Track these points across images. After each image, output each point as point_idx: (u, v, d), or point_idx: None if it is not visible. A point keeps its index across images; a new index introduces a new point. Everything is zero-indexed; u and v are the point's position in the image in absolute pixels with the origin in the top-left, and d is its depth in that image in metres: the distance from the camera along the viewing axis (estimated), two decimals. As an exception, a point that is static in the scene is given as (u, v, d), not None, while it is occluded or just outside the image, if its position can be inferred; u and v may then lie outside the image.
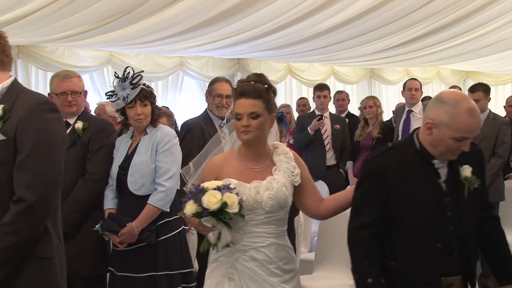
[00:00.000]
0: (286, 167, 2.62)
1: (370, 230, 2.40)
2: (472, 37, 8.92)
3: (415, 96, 6.26)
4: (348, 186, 6.30)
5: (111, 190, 3.52)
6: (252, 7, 6.52)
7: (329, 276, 4.24)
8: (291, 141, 6.61)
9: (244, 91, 2.56)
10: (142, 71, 3.54)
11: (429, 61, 10.67)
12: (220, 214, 2.37)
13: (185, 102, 9.22)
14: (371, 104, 6.33)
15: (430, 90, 11.55)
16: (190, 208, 2.40)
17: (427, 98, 7.40)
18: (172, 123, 5.21)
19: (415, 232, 2.37)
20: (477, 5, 7.45)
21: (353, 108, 8.00)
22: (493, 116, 5.43)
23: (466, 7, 7.45)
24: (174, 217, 3.48)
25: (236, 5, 6.39)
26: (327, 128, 6.46)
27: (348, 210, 4.33)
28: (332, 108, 7.60)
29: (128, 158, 3.49)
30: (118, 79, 3.46)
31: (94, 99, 7.13)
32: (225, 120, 3.97)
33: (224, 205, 2.37)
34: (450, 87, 6.42)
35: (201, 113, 4.39)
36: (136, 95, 3.42)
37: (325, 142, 6.42)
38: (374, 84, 11.55)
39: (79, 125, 3.58)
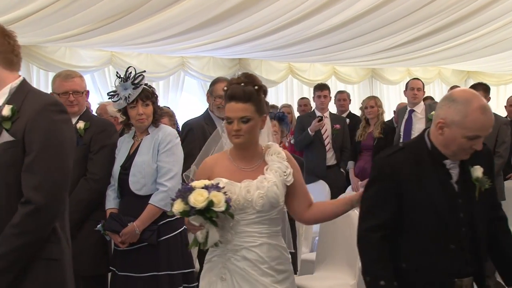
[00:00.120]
0: (278, 166, 2.61)
1: (382, 232, 2.34)
2: (473, 37, 8.92)
3: (417, 95, 6.26)
4: (348, 187, 6.30)
5: (113, 190, 3.53)
6: (253, 7, 6.53)
7: (331, 276, 4.24)
8: (292, 141, 6.61)
9: (234, 95, 2.55)
10: (144, 71, 3.54)
11: (431, 61, 10.67)
12: (207, 212, 2.38)
13: (186, 102, 9.23)
14: (372, 104, 6.33)
15: (431, 90, 11.55)
16: (177, 206, 2.42)
17: (429, 98, 7.41)
18: (173, 123, 5.21)
19: (427, 233, 2.33)
20: (479, 5, 7.44)
21: (354, 108, 8.00)
22: (492, 116, 5.42)
23: (467, 7, 7.44)
24: (176, 217, 3.47)
25: (237, 5, 6.39)
26: (327, 128, 6.46)
27: (350, 211, 4.36)
28: (333, 108, 7.60)
29: (130, 158, 3.49)
30: (120, 79, 3.47)
31: (96, 99, 7.15)
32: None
33: (211, 203, 2.37)
34: (451, 87, 6.42)
35: (202, 113, 4.39)
36: (137, 95, 3.42)
37: (325, 142, 6.42)
38: (375, 84, 11.55)
39: (81, 125, 3.59)
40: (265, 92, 2.65)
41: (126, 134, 3.64)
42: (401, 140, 6.18)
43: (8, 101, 2.21)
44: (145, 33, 6.98)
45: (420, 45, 8.95)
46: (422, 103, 6.32)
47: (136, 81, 3.43)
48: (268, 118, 2.71)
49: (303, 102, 7.90)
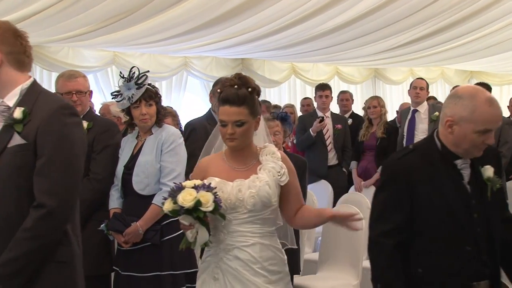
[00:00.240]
0: (272, 166, 2.60)
1: (396, 238, 2.28)
2: (476, 37, 8.91)
3: (419, 94, 6.24)
4: (351, 188, 6.30)
5: (116, 189, 3.53)
6: (256, 7, 6.53)
7: (333, 276, 4.24)
8: (295, 141, 6.60)
9: (228, 98, 2.54)
10: (148, 71, 3.54)
11: (433, 61, 10.66)
12: (194, 212, 2.39)
13: (189, 102, 9.23)
14: (375, 104, 6.33)
15: (434, 90, 11.53)
16: (167, 205, 2.45)
17: (432, 98, 7.39)
18: (177, 123, 5.21)
19: (442, 236, 2.27)
20: (482, 5, 7.43)
21: (357, 108, 7.99)
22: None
23: (470, 7, 7.44)
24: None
25: (240, 5, 6.40)
26: (329, 128, 6.45)
27: (353, 210, 4.35)
28: (336, 108, 7.59)
29: (133, 158, 3.49)
30: (124, 79, 3.47)
31: (98, 99, 7.14)
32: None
33: (198, 203, 2.38)
34: (453, 87, 6.41)
35: (205, 113, 4.39)
36: (141, 95, 3.43)
37: (327, 143, 6.41)
38: (378, 84, 11.54)
39: (84, 125, 3.59)
40: (258, 93, 2.64)
41: (130, 134, 3.64)
42: (404, 141, 6.18)
43: (19, 103, 2.21)
44: (148, 33, 6.99)
45: (423, 45, 8.94)
46: (425, 103, 6.31)
47: (139, 81, 3.43)
48: (262, 118, 2.71)
49: (306, 102, 7.90)
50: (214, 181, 2.54)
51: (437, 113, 5.98)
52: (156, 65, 8.42)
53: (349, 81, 10.90)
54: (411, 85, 6.44)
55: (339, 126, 6.46)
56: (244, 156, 2.63)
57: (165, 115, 3.67)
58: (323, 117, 6.37)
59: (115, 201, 3.52)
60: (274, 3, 6.48)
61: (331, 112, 6.67)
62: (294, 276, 3.91)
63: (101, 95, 7.92)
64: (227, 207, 2.51)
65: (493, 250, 2.33)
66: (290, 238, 3.13)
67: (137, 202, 3.44)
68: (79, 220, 2.33)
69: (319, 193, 5.62)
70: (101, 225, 3.47)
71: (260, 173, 2.59)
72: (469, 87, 2.39)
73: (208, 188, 2.44)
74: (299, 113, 7.65)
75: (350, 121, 6.78)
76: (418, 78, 6.67)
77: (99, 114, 5.14)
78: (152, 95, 3.48)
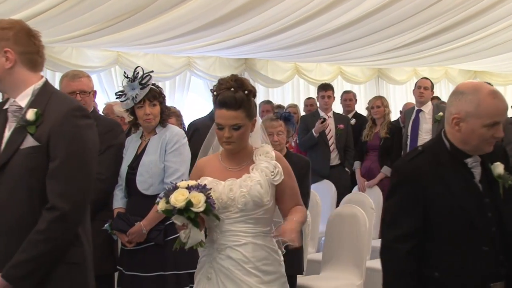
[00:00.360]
0: (266, 166, 2.60)
1: (410, 243, 2.22)
2: (480, 37, 8.88)
3: (423, 94, 6.24)
4: (355, 188, 6.29)
5: (120, 189, 3.54)
6: (260, 7, 6.53)
7: (337, 276, 4.23)
8: (298, 141, 6.60)
9: (226, 102, 2.54)
10: (152, 71, 3.55)
11: (437, 61, 10.64)
12: (185, 212, 2.40)
13: (192, 102, 9.24)
14: (379, 104, 6.32)
15: (438, 90, 11.48)
16: (161, 205, 2.46)
17: (435, 98, 7.38)
18: (180, 123, 5.22)
19: (458, 237, 2.23)
20: (485, 4, 7.41)
21: (361, 108, 7.99)
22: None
23: (474, 7, 7.42)
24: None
25: (244, 5, 6.40)
26: (331, 129, 6.45)
27: (357, 210, 4.35)
28: (339, 108, 7.58)
29: (137, 158, 3.50)
30: (128, 79, 3.48)
31: (102, 99, 7.16)
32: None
33: (189, 203, 2.39)
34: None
35: (208, 113, 4.39)
36: (145, 95, 3.43)
37: (329, 143, 6.41)
38: (382, 84, 11.52)
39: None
40: (254, 95, 2.63)
41: (134, 134, 3.65)
42: (408, 141, 6.17)
43: (31, 103, 2.22)
44: (151, 33, 7.00)
45: (426, 45, 8.92)
46: (430, 103, 6.30)
47: (143, 81, 3.44)
48: (258, 120, 2.70)
49: (309, 102, 7.90)
50: (207, 180, 2.55)
51: (441, 113, 5.97)
52: (159, 65, 8.42)
53: (352, 81, 10.89)
54: (415, 84, 6.44)
55: (341, 126, 6.45)
56: (239, 157, 2.64)
57: (169, 115, 3.67)
58: (325, 118, 6.36)
59: (119, 201, 3.53)
60: (278, 3, 6.48)
61: (333, 112, 6.67)
62: (298, 276, 3.91)
63: (105, 95, 7.94)
64: (219, 206, 2.52)
65: (509, 250, 2.29)
66: None
67: (141, 202, 3.44)
68: (89, 221, 2.34)
69: (322, 193, 5.62)
70: (105, 225, 3.48)
71: (252, 172, 2.59)
72: (471, 82, 2.37)
73: (202, 189, 2.45)
74: (302, 113, 7.65)
75: (353, 121, 6.78)
76: (422, 78, 6.66)
77: (102, 114, 5.15)
78: (156, 95, 3.49)
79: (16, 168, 2.16)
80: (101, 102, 6.37)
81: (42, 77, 2.30)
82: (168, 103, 3.75)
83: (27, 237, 2.13)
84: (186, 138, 3.60)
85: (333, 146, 6.41)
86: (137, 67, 3.53)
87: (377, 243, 5.24)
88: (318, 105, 6.89)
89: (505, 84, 12.75)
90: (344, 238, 4.31)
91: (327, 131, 6.40)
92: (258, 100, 8.68)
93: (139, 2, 5.96)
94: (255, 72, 9.60)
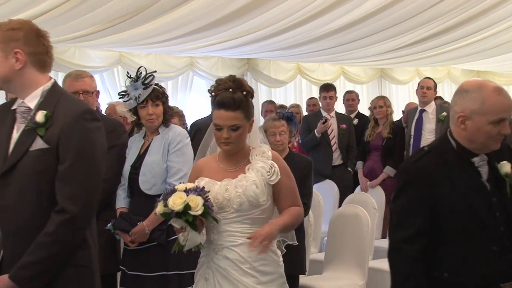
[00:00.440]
0: (262, 166, 2.60)
1: (418, 244, 2.21)
2: (483, 37, 8.87)
3: (426, 94, 6.23)
4: (357, 188, 6.29)
5: (123, 189, 3.54)
6: (262, 7, 6.53)
7: (339, 276, 4.23)
8: (300, 141, 6.60)
9: (224, 103, 2.54)
10: (155, 71, 3.56)
11: (440, 61, 10.63)
12: (183, 215, 2.41)
13: (195, 102, 9.24)
14: (381, 104, 6.32)
15: (441, 90, 11.48)
16: (159, 208, 2.47)
17: (438, 98, 7.37)
18: (183, 123, 5.23)
19: (466, 237, 2.22)
20: (488, 4, 7.41)
21: (363, 108, 7.99)
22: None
23: (477, 7, 7.41)
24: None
25: (246, 5, 6.40)
26: (333, 129, 6.45)
27: (359, 210, 4.35)
28: (341, 108, 7.58)
29: (140, 158, 3.51)
30: (131, 79, 3.48)
31: (104, 99, 7.16)
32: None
33: (187, 207, 2.40)
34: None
35: (210, 113, 4.39)
36: (147, 95, 3.44)
37: (332, 143, 6.41)
38: (384, 84, 11.51)
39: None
40: (252, 96, 2.64)
41: (137, 134, 3.65)
42: (411, 141, 6.16)
43: (40, 104, 2.22)
44: (154, 33, 7.00)
45: (429, 45, 8.91)
46: (433, 103, 6.30)
47: (146, 81, 3.44)
48: (255, 120, 2.70)
49: (312, 102, 7.90)
50: (203, 181, 2.56)
51: (444, 113, 5.97)
52: (162, 65, 8.43)
53: (355, 81, 10.88)
54: (418, 84, 6.44)
55: (343, 126, 6.45)
56: (236, 158, 2.65)
57: (172, 115, 3.68)
58: (326, 118, 6.36)
59: (122, 201, 3.54)
60: (280, 3, 6.48)
61: (335, 112, 6.67)
62: (300, 276, 3.91)
63: (107, 95, 7.94)
64: (215, 206, 2.52)
65: None
66: (290, 235, 3.13)
67: (143, 202, 3.44)
68: (95, 222, 2.34)
69: (325, 193, 5.62)
70: (108, 225, 3.48)
71: (248, 172, 2.59)
72: (475, 80, 2.35)
73: (200, 191, 2.45)
74: (304, 113, 7.65)
75: (356, 121, 6.78)
76: (425, 78, 6.65)
77: (105, 114, 5.15)
78: (159, 95, 3.49)
79: (25, 170, 2.16)
80: (103, 102, 6.37)
81: (50, 78, 2.30)
82: (171, 103, 3.76)
83: (34, 239, 2.13)
84: (189, 138, 3.61)
85: (335, 146, 6.41)
86: (140, 67, 3.54)
87: (380, 243, 5.29)
88: (320, 105, 6.89)
89: (508, 84, 12.72)
90: (346, 238, 4.30)
91: (329, 131, 6.40)
92: (261, 100, 8.72)
93: (142, 2, 5.97)
94: (258, 72, 9.60)
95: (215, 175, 2.62)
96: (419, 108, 6.29)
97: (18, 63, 2.20)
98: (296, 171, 3.67)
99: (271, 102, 7.53)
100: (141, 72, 3.46)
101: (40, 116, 2.17)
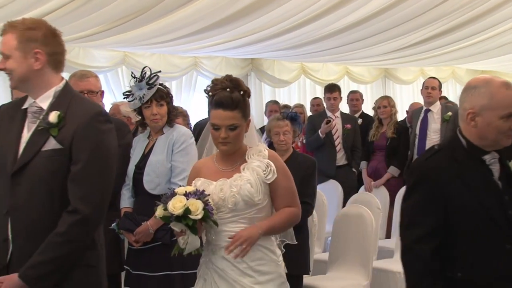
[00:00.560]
0: (257, 165, 2.59)
1: (431, 243, 2.18)
2: (487, 37, 8.85)
3: (431, 94, 6.23)
4: (361, 188, 6.29)
5: (127, 189, 3.55)
6: (266, 7, 6.53)
7: (343, 276, 4.23)
8: (304, 141, 6.60)
9: (222, 102, 2.53)
10: (159, 71, 3.56)
11: (444, 60, 10.60)
12: (183, 219, 2.40)
13: (199, 102, 9.23)
14: (385, 104, 6.31)
15: (445, 90, 11.44)
16: (159, 212, 2.48)
17: (443, 98, 7.36)
18: (187, 123, 5.23)
19: (480, 236, 2.18)
20: (493, 4, 7.38)
21: (367, 108, 7.97)
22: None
23: (481, 6, 7.39)
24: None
25: (250, 5, 6.40)
26: (338, 129, 6.44)
27: (363, 210, 4.35)
28: (346, 108, 7.57)
29: (145, 158, 3.51)
30: (135, 79, 3.49)
31: (109, 99, 7.18)
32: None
33: (187, 211, 2.39)
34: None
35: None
36: (152, 95, 3.44)
37: (336, 143, 6.40)
38: (388, 84, 11.50)
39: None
40: (249, 96, 2.64)
41: (141, 134, 3.66)
42: (416, 140, 6.16)
43: (52, 105, 2.22)
44: (158, 33, 7.01)
45: (433, 45, 8.89)
46: (438, 102, 6.29)
47: (150, 81, 3.45)
48: (252, 120, 2.70)
49: (316, 102, 7.89)
50: (199, 181, 2.57)
51: (450, 113, 5.96)
52: (166, 65, 8.43)
53: (359, 81, 10.87)
54: (423, 84, 6.43)
55: (348, 126, 6.44)
56: (233, 158, 2.65)
57: (176, 115, 3.68)
58: (330, 119, 6.36)
59: (126, 201, 3.55)
60: (284, 3, 6.48)
61: (340, 112, 6.66)
62: (304, 276, 3.91)
63: (111, 95, 7.95)
64: (213, 214, 2.51)
65: None
66: (289, 235, 3.13)
67: (148, 202, 3.43)
68: (102, 223, 2.35)
69: (329, 193, 5.62)
70: (112, 224, 3.49)
71: (243, 172, 2.59)
72: (482, 76, 2.33)
73: (200, 195, 2.45)
74: (308, 113, 7.64)
75: (360, 121, 6.77)
76: (430, 78, 6.65)
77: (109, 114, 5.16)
78: (163, 95, 3.50)
79: (37, 170, 2.17)
80: (108, 102, 6.38)
81: (62, 78, 2.31)
82: (175, 103, 3.76)
83: (44, 239, 2.14)
84: (193, 138, 3.61)
85: (339, 146, 6.40)
86: (145, 67, 3.55)
87: (384, 243, 5.29)
88: (325, 105, 6.89)
89: (512, 83, 12.68)
90: (350, 238, 4.30)
91: (333, 131, 6.39)
92: (265, 100, 8.73)
93: (146, 2, 5.97)
94: (262, 72, 9.60)
95: (212, 175, 2.62)
96: (424, 108, 6.28)
97: (37, 63, 2.21)
98: (300, 171, 3.69)
99: (275, 102, 7.53)
100: (145, 72, 3.47)
101: (53, 117, 2.18)
